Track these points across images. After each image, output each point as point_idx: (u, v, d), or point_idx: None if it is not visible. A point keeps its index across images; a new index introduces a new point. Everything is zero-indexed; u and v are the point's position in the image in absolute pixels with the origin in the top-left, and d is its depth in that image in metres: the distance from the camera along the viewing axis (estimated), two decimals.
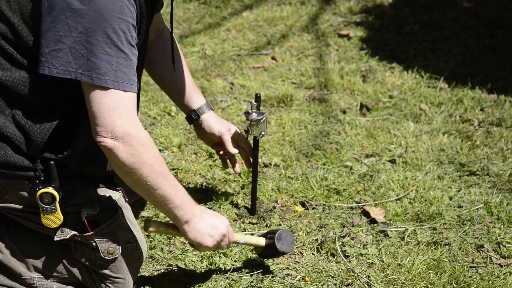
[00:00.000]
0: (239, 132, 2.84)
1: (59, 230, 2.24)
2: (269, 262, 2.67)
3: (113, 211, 2.29)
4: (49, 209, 2.16)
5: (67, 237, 2.24)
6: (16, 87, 2.07)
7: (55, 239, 2.25)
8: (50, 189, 2.14)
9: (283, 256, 2.71)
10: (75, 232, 2.25)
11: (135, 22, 2.03)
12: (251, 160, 2.85)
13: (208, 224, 2.28)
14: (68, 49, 1.95)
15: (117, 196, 2.34)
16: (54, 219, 2.19)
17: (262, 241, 2.55)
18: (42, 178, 2.14)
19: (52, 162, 2.13)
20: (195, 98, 2.76)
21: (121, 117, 1.98)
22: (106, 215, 2.27)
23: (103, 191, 2.31)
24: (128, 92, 2.00)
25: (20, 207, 2.25)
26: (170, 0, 2.35)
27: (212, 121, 2.78)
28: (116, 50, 1.96)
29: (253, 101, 2.73)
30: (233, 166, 2.88)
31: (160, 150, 3.36)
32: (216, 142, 2.85)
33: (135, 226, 2.43)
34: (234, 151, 2.81)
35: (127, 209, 2.40)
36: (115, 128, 1.97)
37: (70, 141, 2.14)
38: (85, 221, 2.24)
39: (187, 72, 2.74)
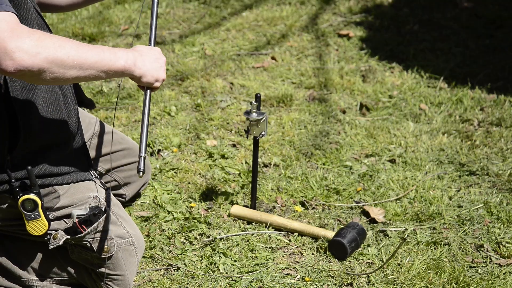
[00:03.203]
0: None
1: (52, 237, 2.24)
2: (268, 262, 2.67)
3: (102, 209, 2.28)
4: (32, 215, 2.15)
5: (61, 243, 2.24)
6: None
7: (50, 247, 2.24)
8: (31, 196, 2.14)
9: (283, 256, 2.71)
10: (68, 236, 2.25)
11: None
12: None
13: (151, 56, 2.15)
14: None
15: (104, 193, 2.34)
16: (39, 226, 2.18)
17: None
18: (17, 189, 2.14)
19: (30, 167, 2.13)
20: None
21: (5, 29, 1.82)
22: (96, 214, 2.26)
23: (89, 190, 2.30)
24: (2, 11, 1.85)
25: (9, 222, 2.25)
26: None
27: None
28: None
29: (253, 101, 2.73)
30: None
31: (159, 150, 3.36)
32: None
33: (128, 221, 2.41)
34: None
35: (116, 206, 2.39)
36: (5, 44, 1.80)
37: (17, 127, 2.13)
38: (76, 222, 2.23)
39: None
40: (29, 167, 2.12)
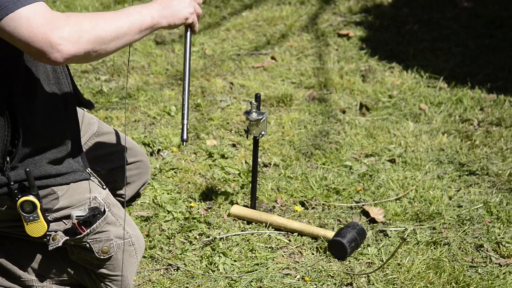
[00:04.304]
0: None
1: (51, 239, 2.24)
2: (268, 262, 2.67)
3: (101, 210, 2.28)
4: (31, 217, 2.15)
5: (60, 244, 2.24)
6: None
7: (49, 248, 2.24)
8: (30, 197, 2.13)
9: (283, 256, 2.71)
10: (67, 238, 2.24)
11: None
12: None
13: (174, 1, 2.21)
14: None
15: (103, 194, 2.34)
16: (38, 227, 2.18)
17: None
18: (15, 191, 2.14)
19: (28, 169, 2.13)
20: None
21: (43, 24, 1.85)
22: (95, 215, 2.26)
23: (88, 191, 2.30)
24: (33, 3, 1.88)
25: (8, 223, 2.25)
26: None
27: None
28: None
29: (253, 101, 2.73)
30: None
31: (159, 149, 3.36)
32: None
33: (127, 222, 2.41)
34: None
35: (116, 206, 2.38)
36: (49, 38, 1.86)
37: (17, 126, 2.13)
38: (75, 223, 2.23)
39: None
40: (28, 169, 2.12)
